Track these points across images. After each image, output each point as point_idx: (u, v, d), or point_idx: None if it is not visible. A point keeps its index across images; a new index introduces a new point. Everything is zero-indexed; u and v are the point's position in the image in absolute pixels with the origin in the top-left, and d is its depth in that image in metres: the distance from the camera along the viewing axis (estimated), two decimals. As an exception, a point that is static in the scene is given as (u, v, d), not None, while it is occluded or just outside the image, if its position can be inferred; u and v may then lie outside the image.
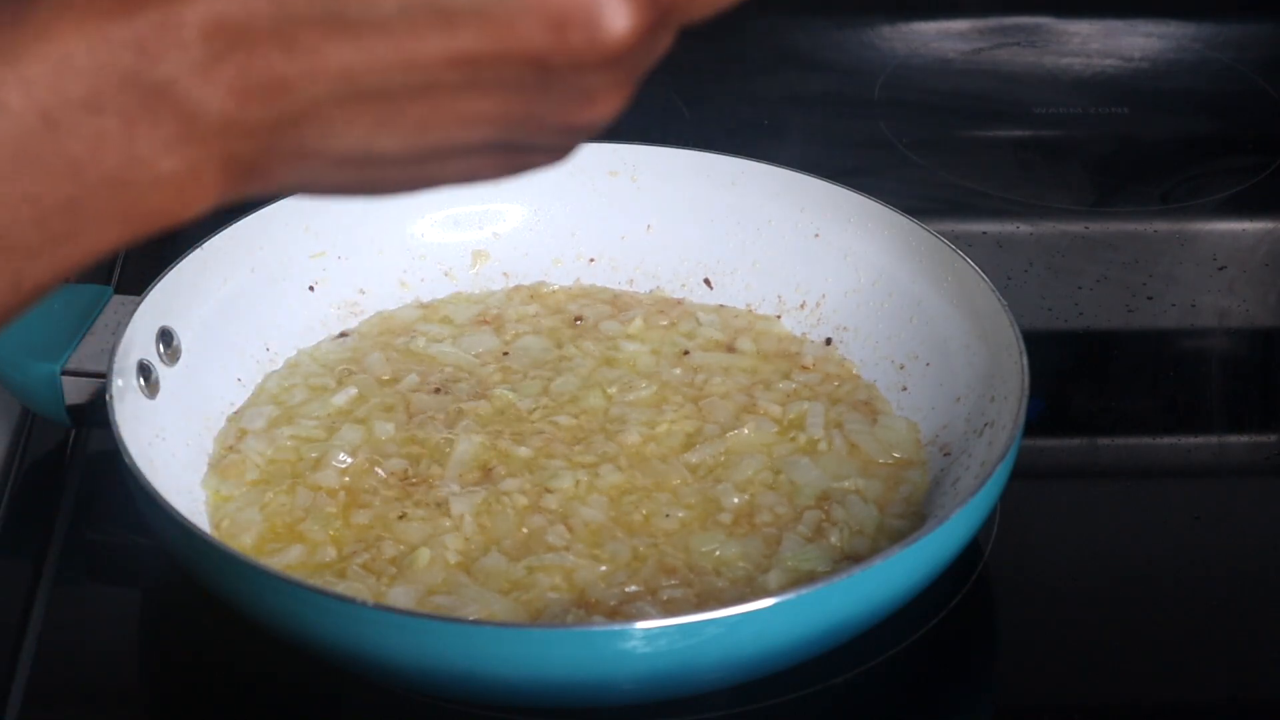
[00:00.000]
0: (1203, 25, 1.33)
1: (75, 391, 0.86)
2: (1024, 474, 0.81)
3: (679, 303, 0.98)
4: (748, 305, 0.98)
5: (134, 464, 0.77)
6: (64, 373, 0.86)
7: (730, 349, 0.95)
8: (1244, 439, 0.98)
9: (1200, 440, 0.97)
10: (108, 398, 0.81)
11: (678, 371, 0.93)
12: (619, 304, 0.98)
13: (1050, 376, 0.91)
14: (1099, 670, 0.81)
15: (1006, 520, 0.86)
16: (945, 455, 0.86)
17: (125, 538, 0.83)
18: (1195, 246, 1.10)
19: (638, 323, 0.96)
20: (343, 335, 0.96)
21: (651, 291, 0.99)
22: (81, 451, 0.91)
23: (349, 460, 0.86)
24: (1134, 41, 1.32)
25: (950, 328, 0.90)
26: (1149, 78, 1.29)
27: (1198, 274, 1.07)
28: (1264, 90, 1.26)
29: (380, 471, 0.85)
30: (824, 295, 0.96)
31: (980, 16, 1.33)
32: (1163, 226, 1.11)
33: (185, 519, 0.76)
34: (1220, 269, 1.08)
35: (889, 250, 0.94)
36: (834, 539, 0.82)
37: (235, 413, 0.90)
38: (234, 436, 0.88)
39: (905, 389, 0.91)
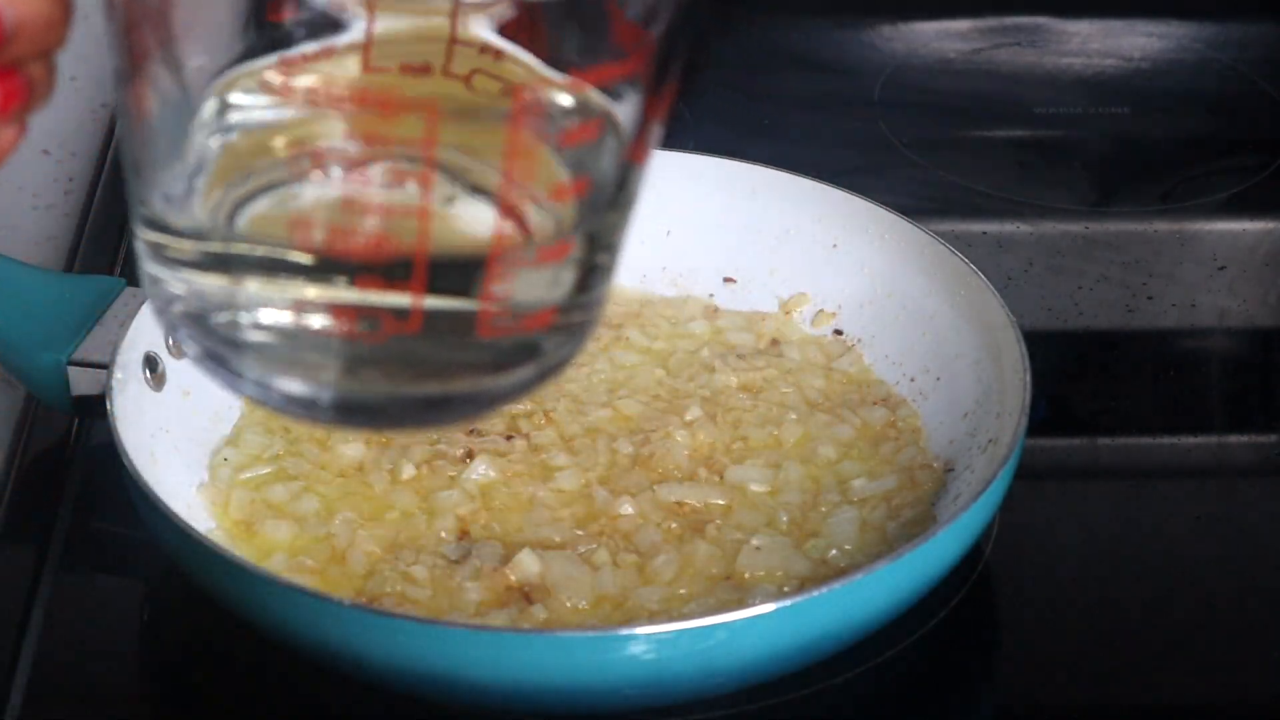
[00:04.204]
0: (1203, 25, 1.33)
1: (81, 382, 0.86)
2: (1024, 474, 0.81)
3: (699, 306, 0.98)
4: (765, 313, 0.98)
5: (131, 462, 0.78)
6: (70, 363, 0.86)
7: (752, 353, 0.94)
8: (1244, 439, 0.98)
9: (1200, 440, 0.97)
10: (107, 390, 0.81)
11: (697, 377, 0.93)
12: (638, 307, 0.98)
13: (1050, 376, 0.91)
14: (1099, 670, 0.81)
15: (1007, 520, 0.86)
16: (949, 471, 0.87)
17: (128, 529, 0.83)
18: (1195, 246, 1.10)
19: (656, 328, 0.96)
20: None
21: (669, 296, 0.99)
22: (85, 442, 0.91)
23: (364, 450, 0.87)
24: (1134, 41, 1.32)
25: (962, 343, 0.90)
26: (1149, 78, 1.29)
27: (1198, 274, 1.07)
28: (1264, 90, 1.26)
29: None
30: (840, 305, 0.97)
31: (980, 16, 1.33)
32: (1163, 226, 1.11)
33: (179, 518, 0.76)
34: (1220, 269, 1.08)
35: (904, 262, 0.94)
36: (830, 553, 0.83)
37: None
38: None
39: (915, 402, 0.91)
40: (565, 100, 0.54)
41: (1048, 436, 0.93)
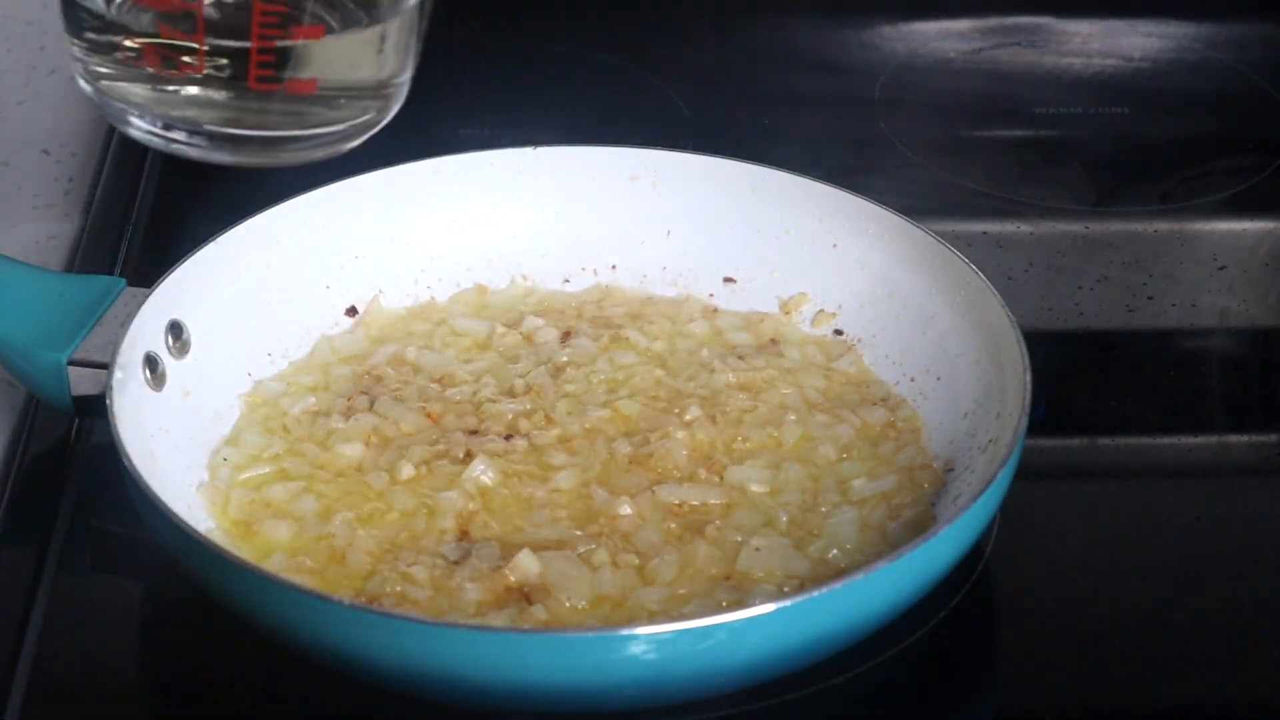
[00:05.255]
0: (1203, 25, 1.33)
1: (82, 382, 0.86)
2: (1024, 474, 0.81)
3: (698, 306, 0.98)
4: (764, 313, 0.98)
5: (130, 461, 0.78)
6: (71, 363, 0.86)
7: (752, 353, 0.94)
8: (1244, 439, 0.98)
9: (1200, 440, 0.97)
10: (107, 390, 0.81)
11: (696, 377, 0.93)
12: (638, 307, 0.98)
13: (1050, 376, 0.91)
14: (1099, 670, 0.81)
15: (1007, 520, 0.86)
16: (949, 471, 0.87)
17: (128, 529, 0.83)
18: (1195, 246, 1.10)
19: (656, 328, 0.96)
20: (356, 330, 0.96)
21: (671, 296, 0.99)
22: (85, 442, 0.91)
23: (361, 450, 0.87)
24: (1134, 41, 1.32)
25: (962, 343, 0.90)
26: (1149, 78, 1.29)
27: (1198, 274, 1.07)
28: (1264, 90, 1.26)
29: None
30: (840, 305, 0.97)
31: (980, 16, 1.33)
32: (1163, 226, 1.12)
33: (179, 518, 0.76)
34: (1220, 269, 1.08)
35: (904, 262, 0.94)
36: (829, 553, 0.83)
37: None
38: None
39: (915, 402, 0.91)
40: None
41: (1048, 436, 0.93)
